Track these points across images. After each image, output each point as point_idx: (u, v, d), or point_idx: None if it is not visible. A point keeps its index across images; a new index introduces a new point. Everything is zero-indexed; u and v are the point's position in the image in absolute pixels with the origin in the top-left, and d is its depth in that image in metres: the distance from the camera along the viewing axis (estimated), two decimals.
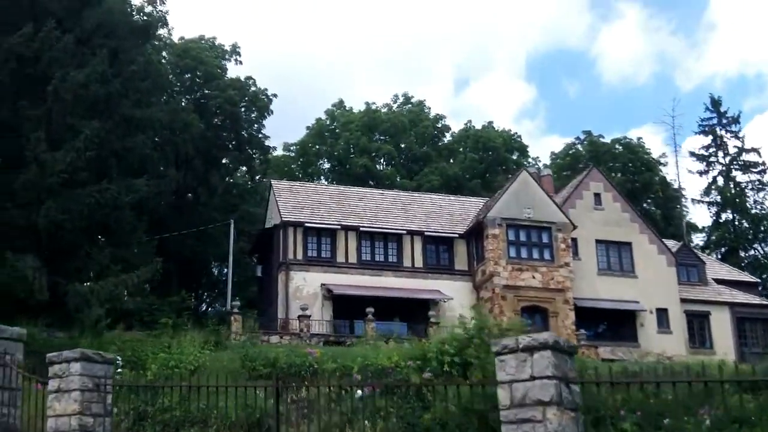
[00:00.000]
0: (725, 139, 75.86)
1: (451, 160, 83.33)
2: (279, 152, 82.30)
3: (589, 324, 47.28)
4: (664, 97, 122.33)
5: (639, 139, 78.92)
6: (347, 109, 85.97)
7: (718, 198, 74.34)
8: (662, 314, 49.17)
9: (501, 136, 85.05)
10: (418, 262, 48.31)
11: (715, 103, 76.40)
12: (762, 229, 73.35)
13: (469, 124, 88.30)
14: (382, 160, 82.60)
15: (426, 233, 48.65)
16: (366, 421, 22.04)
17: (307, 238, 47.05)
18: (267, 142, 73.51)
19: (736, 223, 73.63)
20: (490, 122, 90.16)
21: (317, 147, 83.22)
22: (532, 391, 8.48)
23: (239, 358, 26.36)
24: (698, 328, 50.47)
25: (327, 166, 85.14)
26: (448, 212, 51.56)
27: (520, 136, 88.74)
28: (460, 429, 22.44)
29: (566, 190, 51.84)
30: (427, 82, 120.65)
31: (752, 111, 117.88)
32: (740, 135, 75.56)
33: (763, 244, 73.53)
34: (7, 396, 13.19)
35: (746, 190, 74.27)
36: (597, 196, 50.52)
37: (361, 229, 47.71)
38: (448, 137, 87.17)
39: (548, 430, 8.23)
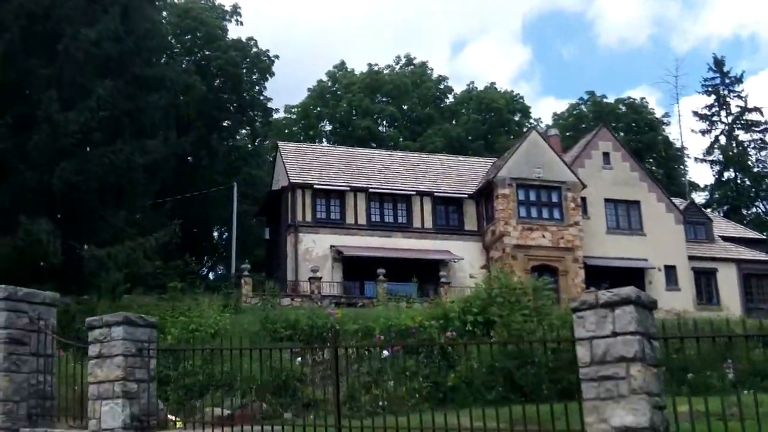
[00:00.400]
0: (728, 99, 75.58)
1: (454, 122, 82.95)
2: (281, 114, 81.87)
3: (599, 282, 47.16)
4: (660, 60, 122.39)
5: (642, 99, 78.54)
6: (349, 70, 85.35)
7: (721, 157, 74.19)
8: (670, 271, 49.25)
9: (503, 97, 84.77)
10: (428, 223, 48.20)
11: (718, 63, 76.15)
12: (764, 187, 73.46)
13: (471, 85, 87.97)
14: (384, 122, 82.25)
15: (436, 194, 48.49)
16: (391, 381, 22.04)
17: (315, 200, 46.86)
18: (269, 105, 72.86)
19: (739, 181, 73.58)
20: (493, 83, 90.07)
21: (319, 109, 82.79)
22: (614, 347, 8.33)
23: (259, 321, 26.25)
24: (705, 284, 50.62)
25: (328, 128, 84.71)
26: (457, 173, 51.36)
27: (522, 97, 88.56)
28: (486, 386, 22.48)
29: (575, 150, 51.65)
30: (423, 44, 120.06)
31: (747, 72, 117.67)
32: (743, 95, 75.42)
33: (765, 202, 73.59)
34: (42, 363, 13.02)
35: (748, 149, 74.21)
36: (606, 155, 50.36)
37: (370, 190, 47.52)
38: (450, 99, 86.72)
39: (632, 387, 8.10)
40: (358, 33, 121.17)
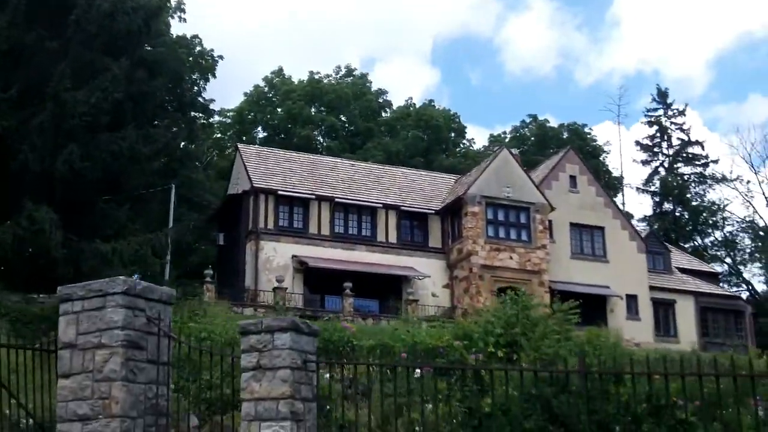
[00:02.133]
0: (669, 131, 76.10)
1: (389, 137, 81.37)
2: (215, 118, 78.92)
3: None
4: (562, 91, 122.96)
5: (584, 125, 78.60)
6: (286, 77, 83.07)
7: (660, 188, 74.61)
8: (632, 300, 48.66)
9: (442, 115, 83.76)
10: (392, 238, 46.46)
11: (662, 95, 76.69)
12: (701, 221, 74.02)
13: (409, 101, 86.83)
14: (323, 133, 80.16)
15: (402, 208, 46.78)
16: (429, 404, 20.34)
17: (278, 207, 44.60)
18: (210, 106, 70.01)
19: (677, 214, 74.06)
20: (431, 100, 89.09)
21: (253, 114, 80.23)
22: None
23: None
24: (663, 315, 50.19)
25: (262, 135, 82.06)
26: (420, 187, 49.81)
27: (459, 116, 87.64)
28: (523, 414, 20.98)
29: (540, 171, 50.61)
30: (333, 59, 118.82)
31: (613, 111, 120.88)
32: (685, 127, 75.94)
33: (702, 236, 74.28)
34: (158, 372, 10.82)
35: (688, 182, 74.75)
36: (573, 178, 49.58)
37: (336, 200, 45.49)
38: (388, 113, 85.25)
39: None
40: (271, 42, 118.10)
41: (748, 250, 72.48)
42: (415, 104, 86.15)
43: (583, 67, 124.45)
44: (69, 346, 10.60)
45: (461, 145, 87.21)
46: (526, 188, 46.59)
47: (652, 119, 76.35)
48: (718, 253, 73.26)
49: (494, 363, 21.99)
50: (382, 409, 20.88)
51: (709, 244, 74.28)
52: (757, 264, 72.27)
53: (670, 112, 76.07)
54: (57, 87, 23.70)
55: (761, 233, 69.67)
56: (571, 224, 48.56)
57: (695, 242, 73.41)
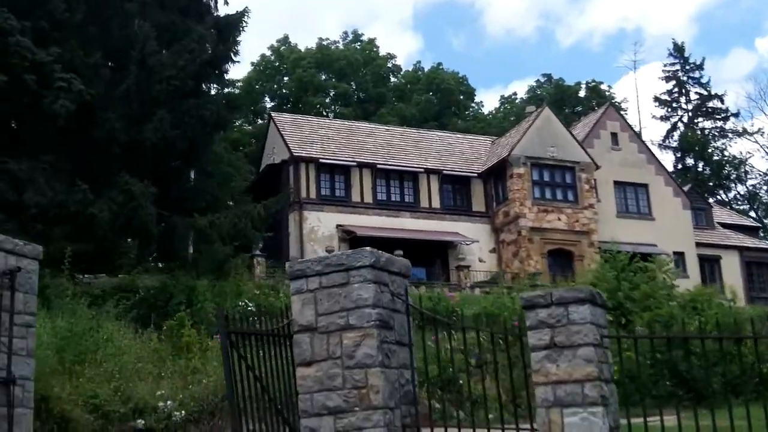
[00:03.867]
0: (687, 85, 74.93)
1: (401, 102, 79.91)
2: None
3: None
4: (545, 52, 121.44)
5: (600, 82, 77.24)
6: (293, 45, 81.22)
7: (680, 143, 73.56)
8: (679, 258, 47.50)
9: (452, 78, 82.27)
10: (435, 203, 45.14)
11: (679, 49, 75.33)
12: (722, 175, 73.09)
13: (418, 65, 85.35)
14: (336, 100, 78.53)
15: (444, 172, 45.42)
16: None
17: (320, 176, 43.18)
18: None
19: (700, 168, 73.05)
20: (440, 63, 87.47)
21: (263, 84, 78.43)
22: None
23: None
24: (709, 272, 49.16)
25: (270, 104, 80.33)
26: (459, 150, 48.44)
27: (467, 78, 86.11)
28: (651, 380, 20.05)
29: (580, 129, 49.21)
30: (315, 29, 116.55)
31: (628, 66, 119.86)
32: (703, 81, 74.80)
33: (725, 191, 73.41)
34: (405, 354, 9.60)
35: (708, 137, 73.70)
36: (614, 135, 48.29)
37: (377, 166, 44.09)
38: (397, 78, 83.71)
39: None
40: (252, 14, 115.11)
41: None
42: (423, 68, 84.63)
43: (563, 27, 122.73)
44: (307, 329, 9.33)
45: (471, 108, 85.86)
46: (570, 147, 45.33)
47: (670, 74, 75.05)
48: (742, 207, 72.34)
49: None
50: (512, 381, 19.84)
51: (732, 198, 73.43)
52: None
53: (687, 67, 74.81)
54: (142, 50, 22.17)
55: None
56: (615, 182, 47.37)
57: (719, 197, 72.41)
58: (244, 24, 25.22)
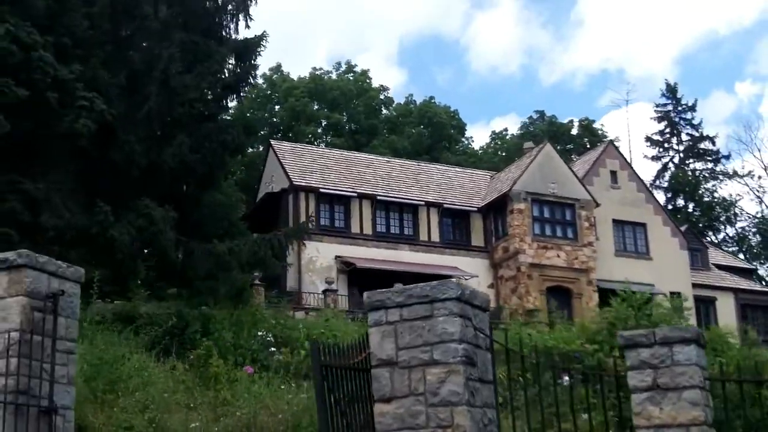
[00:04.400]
0: (679, 127, 75.24)
1: (393, 134, 79.71)
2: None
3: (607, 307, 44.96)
4: (528, 89, 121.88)
5: (592, 121, 77.42)
6: (285, 74, 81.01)
7: (670, 184, 73.72)
8: (675, 299, 47.28)
9: (445, 112, 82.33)
10: (435, 236, 44.79)
11: (671, 89, 75.74)
12: (713, 215, 73.23)
13: (410, 98, 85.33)
14: (325, 129, 78.21)
15: (444, 205, 45.09)
16: (585, 415, 19.05)
17: (319, 206, 42.72)
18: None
19: (690, 209, 73.16)
20: (431, 97, 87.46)
21: (254, 112, 77.99)
22: None
23: None
24: (704, 313, 48.96)
25: (262, 133, 79.87)
26: (458, 184, 48.19)
27: (458, 113, 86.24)
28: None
29: (579, 166, 49.14)
30: (302, 60, 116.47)
31: (613, 105, 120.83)
32: (695, 122, 75.15)
33: (714, 232, 73.52)
34: (488, 393, 9.17)
35: (699, 178, 73.90)
36: (613, 173, 48.24)
37: (377, 197, 43.71)
38: (390, 110, 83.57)
39: None
40: None
41: (758, 247, 71.79)
42: (415, 101, 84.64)
43: (547, 66, 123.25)
44: (387, 363, 8.88)
45: (461, 143, 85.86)
46: (570, 184, 45.20)
47: (662, 114, 75.35)
48: (731, 249, 72.43)
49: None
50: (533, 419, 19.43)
51: (722, 240, 73.48)
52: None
53: (680, 107, 75.16)
54: (165, 71, 21.69)
55: None
56: (614, 221, 47.24)
57: (708, 238, 72.49)
58: (263, 47, 24.88)
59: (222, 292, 21.55)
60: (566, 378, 19.63)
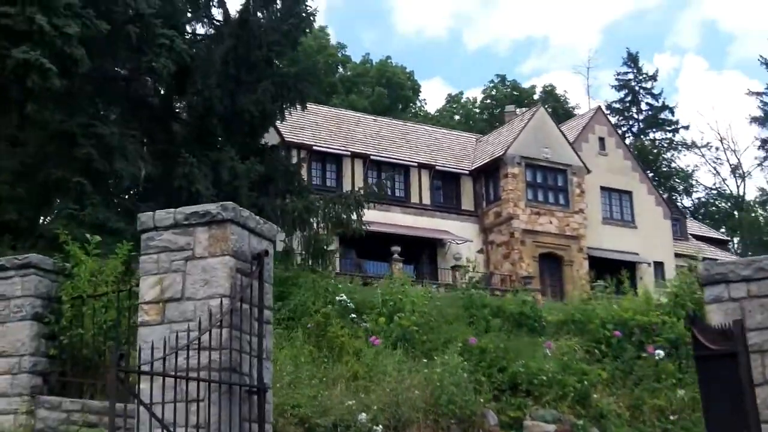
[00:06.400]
0: (639, 96, 75.30)
1: (354, 94, 77.98)
2: None
3: (599, 274, 44.42)
4: (451, 54, 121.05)
5: (554, 87, 76.98)
6: None
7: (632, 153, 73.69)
8: (659, 268, 47.15)
9: (402, 72, 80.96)
10: (426, 199, 43.53)
11: (633, 59, 75.63)
12: (670, 186, 73.66)
13: (366, 56, 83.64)
14: None
15: (437, 167, 43.82)
16: (681, 391, 18.40)
17: (311, 164, 41.01)
18: None
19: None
20: (388, 57, 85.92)
21: None
22: None
23: (462, 305, 21.08)
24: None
25: None
26: (448, 146, 46.93)
27: (414, 73, 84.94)
28: None
29: (569, 132, 48.23)
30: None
31: (533, 72, 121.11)
32: (655, 92, 75.26)
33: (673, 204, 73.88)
34: None
35: (659, 148, 74.19)
36: (601, 140, 47.59)
37: (371, 157, 42.21)
38: (347, 69, 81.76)
39: None
40: None
41: (716, 217, 72.52)
42: (372, 60, 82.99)
43: (472, 31, 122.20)
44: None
45: (417, 103, 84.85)
46: (562, 150, 44.41)
47: (622, 83, 75.28)
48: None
49: None
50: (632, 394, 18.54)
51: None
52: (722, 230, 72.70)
53: (641, 76, 75.18)
54: (245, 11, 19.71)
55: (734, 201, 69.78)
56: (602, 188, 46.67)
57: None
58: None
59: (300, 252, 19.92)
60: (660, 352, 18.79)
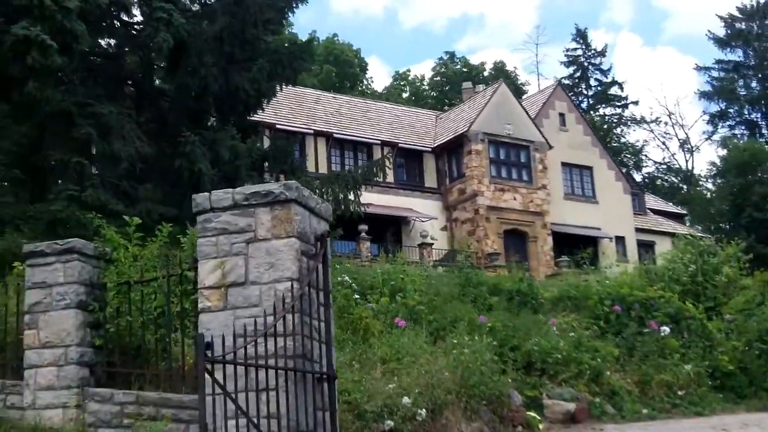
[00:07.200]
0: (588, 72, 75.63)
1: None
2: None
3: (562, 250, 44.53)
4: (387, 32, 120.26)
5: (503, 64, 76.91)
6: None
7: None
8: (620, 242, 47.45)
9: (349, 50, 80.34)
10: (389, 177, 42.87)
11: (582, 35, 75.86)
12: (620, 161, 74.18)
13: (313, 33, 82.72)
14: None
15: (399, 145, 43.29)
16: (688, 366, 18.37)
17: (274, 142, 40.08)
18: None
19: None
20: (335, 34, 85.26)
21: None
22: None
23: (458, 283, 20.64)
24: (644, 258, 49.25)
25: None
26: (410, 123, 46.42)
27: (361, 51, 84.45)
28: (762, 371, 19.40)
29: (529, 107, 48.02)
30: None
31: (470, 49, 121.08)
32: (604, 68, 75.69)
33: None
34: None
35: (608, 123, 74.69)
36: (562, 116, 47.54)
37: (334, 135, 41.51)
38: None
39: None
40: None
41: (666, 191, 73.30)
42: (319, 38, 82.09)
43: (408, 8, 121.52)
44: None
45: (365, 81, 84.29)
46: (524, 126, 44.24)
47: (571, 59, 75.51)
48: None
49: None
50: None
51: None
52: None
53: (589, 52, 75.47)
54: None
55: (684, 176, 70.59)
56: (563, 163, 46.68)
57: None
58: None
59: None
60: (666, 329, 18.59)
